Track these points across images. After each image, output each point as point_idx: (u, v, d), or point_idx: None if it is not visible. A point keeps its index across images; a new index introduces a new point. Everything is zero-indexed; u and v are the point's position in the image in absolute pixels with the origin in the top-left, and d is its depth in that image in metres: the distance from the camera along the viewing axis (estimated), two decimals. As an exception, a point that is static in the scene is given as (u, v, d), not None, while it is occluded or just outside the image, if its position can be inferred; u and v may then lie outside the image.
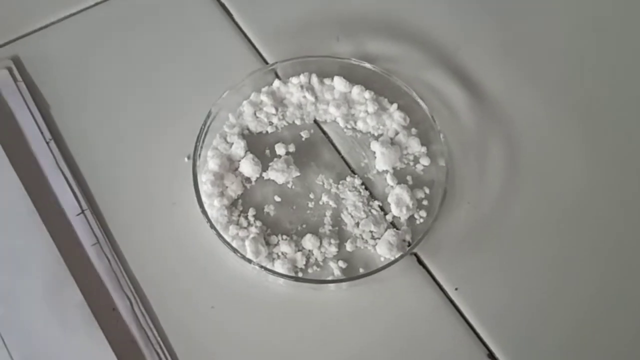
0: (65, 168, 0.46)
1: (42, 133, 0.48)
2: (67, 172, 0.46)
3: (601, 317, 0.44)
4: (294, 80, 0.50)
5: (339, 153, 0.49)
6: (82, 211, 0.45)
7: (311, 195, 0.46)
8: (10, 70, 0.50)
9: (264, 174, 0.47)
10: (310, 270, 0.44)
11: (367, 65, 0.50)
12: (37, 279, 0.42)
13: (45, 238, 0.43)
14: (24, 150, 0.47)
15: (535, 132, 0.50)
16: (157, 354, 0.41)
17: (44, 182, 0.46)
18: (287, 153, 0.48)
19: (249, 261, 0.42)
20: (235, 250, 0.43)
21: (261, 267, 0.42)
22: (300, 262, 0.44)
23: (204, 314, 0.43)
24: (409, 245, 0.45)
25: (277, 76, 0.51)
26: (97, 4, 0.55)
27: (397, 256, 0.44)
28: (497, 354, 0.43)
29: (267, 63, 0.52)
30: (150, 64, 0.52)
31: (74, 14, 0.55)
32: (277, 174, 0.46)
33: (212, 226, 0.43)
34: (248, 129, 0.49)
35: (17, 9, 0.55)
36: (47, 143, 0.47)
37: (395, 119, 0.49)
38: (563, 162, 0.49)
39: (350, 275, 0.44)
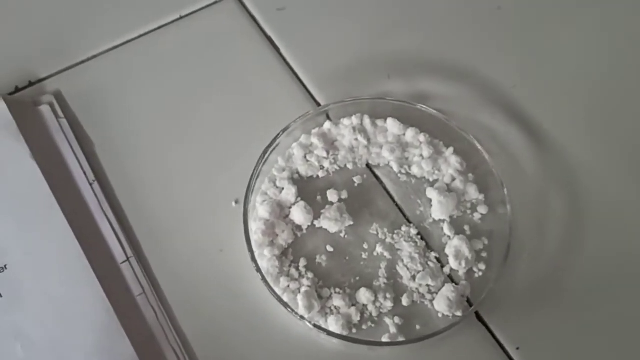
0: (109, 211, 0.45)
1: (85, 173, 0.46)
2: (111, 215, 0.45)
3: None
4: (346, 121, 0.48)
5: (393, 200, 0.47)
6: (128, 259, 0.43)
7: (365, 246, 0.44)
8: (52, 105, 0.49)
9: (315, 222, 0.45)
10: (364, 327, 0.42)
11: (422, 107, 0.48)
12: (87, 330, 0.40)
13: (94, 285, 0.41)
14: (70, 190, 0.45)
15: (602, 182, 0.48)
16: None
17: (92, 224, 0.44)
18: (340, 200, 0.46)
19: (302, 318, 0.40)
20: (287, 306, 0.41)
21: (315, 326, 0.40)
22: (355, 318, 0.42)
23: (255, 372, 0.41)
24: (467, 301, 0.43)
25: (328, 117, 0.49)
26: (140, 36, 0.54)
27: (456, 313, 0.42)
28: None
29: (316, 102, 0.50)
30: (196, 103, 0.50)
31: (118, 46, 0.53)
32: (330, 223, 0.44)
33: (264, 279, 0.41)
34: (298, 173, 0.47)
35: (58, 41, 0.53)
36: (91, 184, 0.46)
37: (451, 163, 0.47)
38: (633, 214, 0.47)
39: (406, 333, 0.42)
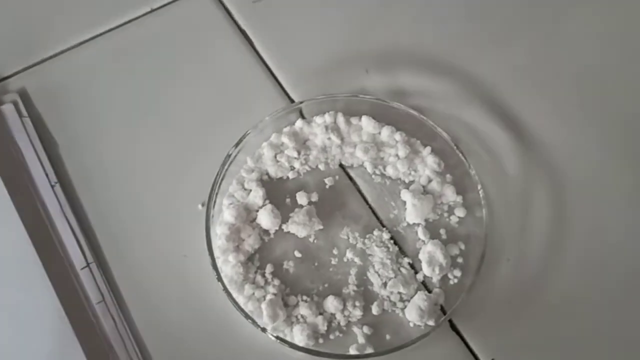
0: (70, 215, 0.43)
1: (47, 175, 0.44)
2: (72, 219, 0.43)
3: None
4: (318, 119, 0.46)
5: (367, 202, 0.45)
6: (88, 264, 0.42)
7: (335, 251, 0.43)
8: (15, 104, 0.47)
9: (283, 226, 0.43)
10: (331, 337, 0.40)
11: (398, 105, 0.46)
12: (39, 339, 0.39)
13: (49, 294, 0.40)
14: (30, 193, 0.44)
15: (585, 180, 0.46)
16: None
17: (50, 230, 0.43)
18: (310, 203, 0.44)
19: (264, 330, 0.39)
20: (249, 317, 0.39)
21: (278, 338, 0.38)
22: (322, 327, 0.40)
23: (216, 384, 0.39)
24: (442, 309, 0.41)
25: (302, 114, 0.47)
26: (110, 30, 0.52)
27: (428, 323, 0.40)
28: None
29: (290, 99, 0.48)
30: (166, 100, 0.49)
31: (87, 41, 0.51)
32: (298, 227, 0.42)
33: (226, 289, 0.40)
34: (267, 174, 0.45)
35: (24, 37, 0.51)
36: (52, 187, 0.44)
37: (428, 164, 0.45)
38: (619, 216, 0.44)
39: (376, 343, 0.40)
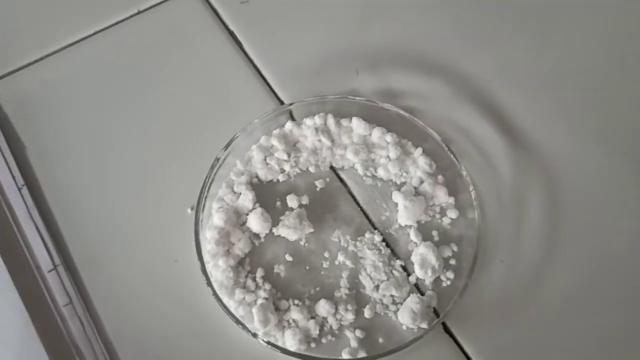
0: (37, 218, 0.43)
1: (14, 177, 0.44)
2: (39, 222, 0.43)
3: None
4: (308, 121, 0.46)
5: (358, 204, 0.44)
6: (55, 267, 0.41)
7: (326, 254, 0.42)
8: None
9: (274, 230, 0.42)
10: (324, 340, 0.40)
11: (388, 106, 0.45)
12: (5, 347, 0.38)
13: (14, 298, 0.39)
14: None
15: (580, 181, 0.45)
16: None
17: (16, 232, 0.42)
18: (300, 205, 0.43)
19: (255, 336, 0.38)
20: (239, 322, 0.38)
21: (269, 343, 0.38)
22: (314, 331, 0.40)
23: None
24: (434, 311, 0.41)
25: (292, 116, 0.46)
26: (95, 33, 0.51)
27: (421, 325, 0.39)
28: None
29: (280, 100, 0.48)
30: (152, 103, 0.48)
31: (70, 45, 0.51)
32: (289, 231, 0.42)
33: (215, 294, 0.39)
34: (257, 177, 0.44)
35: (5, 40, 0.50)
36: (19, 189, 0.43)
37: (419, 165, 0.44)
38: (614, 216, 0.44)
39: (368, 346, 0.40)
